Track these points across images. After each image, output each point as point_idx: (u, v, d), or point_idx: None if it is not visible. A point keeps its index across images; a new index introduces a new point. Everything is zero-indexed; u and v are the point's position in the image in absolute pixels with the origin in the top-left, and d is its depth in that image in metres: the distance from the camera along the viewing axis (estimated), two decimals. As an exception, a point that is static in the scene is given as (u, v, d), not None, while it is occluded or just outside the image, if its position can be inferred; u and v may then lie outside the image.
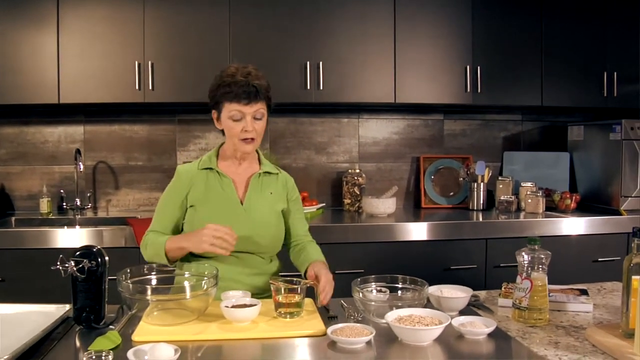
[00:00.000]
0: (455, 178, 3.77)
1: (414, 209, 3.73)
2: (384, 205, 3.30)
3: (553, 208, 3.48)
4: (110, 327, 1.49)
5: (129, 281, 1.54)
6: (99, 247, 1.52)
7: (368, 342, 1.38)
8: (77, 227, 3.00)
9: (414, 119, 3.80)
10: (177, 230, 1.96)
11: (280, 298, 1.55)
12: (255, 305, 1.50)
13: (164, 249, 1.79)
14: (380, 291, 1.62)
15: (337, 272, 2.90)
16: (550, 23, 3.44)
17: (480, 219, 3.25)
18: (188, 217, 1.91)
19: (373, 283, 1.63)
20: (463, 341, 1.42)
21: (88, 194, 3.45)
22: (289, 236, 2.01)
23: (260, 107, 1.82)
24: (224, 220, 1.81)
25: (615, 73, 3.48)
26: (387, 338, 1.42)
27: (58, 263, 1.46)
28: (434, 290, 1.65)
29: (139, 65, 3.09)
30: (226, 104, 1.81)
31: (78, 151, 3.30)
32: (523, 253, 1.57)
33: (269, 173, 1.97)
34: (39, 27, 3.04)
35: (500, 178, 3.64)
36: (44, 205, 3.30)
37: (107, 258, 1.51)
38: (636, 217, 3.22)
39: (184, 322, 1.48)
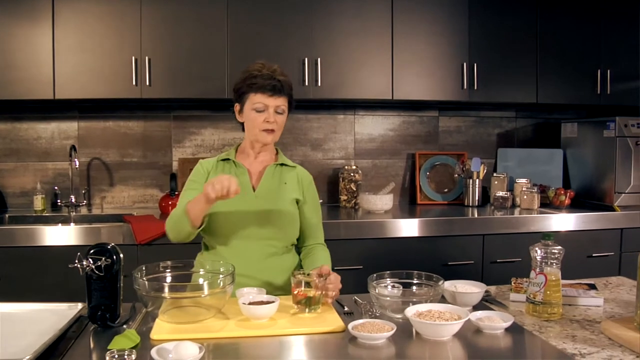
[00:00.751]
0: (450, 174, 3.79)
1: (409, 205, 3.75)
2: (381, 201, 3.31)
3: (547, 204, 3.52)
4: (124, 326, 1.47)
5: (144, 279, 1.52)
6: (113, 244, 1.49)
7: (388, 338, 1.38)
8: (72, 224, 2.96)
9: (410, 116, 3.81)
10: None
11: (301, 291, 1.55)
12: (273, 302, 1.49)
13: (184, 208, 1.79)
14: (393, 287, 1.62)
15: (336, 268, 2.92)
16: (546, 21, 3.47)
17: (476, 215, 3.27)
18: None
19: (388, 279, 1.63)
20: (481, 336, 1.43)
21: (83, 191, 3.40)
22: (301, 238, 2.03)
23: (282, 102, 1.89)
24: (235, 206, 1.87)
25: (608, 71, 3.52)
26: (405, 333, 1.43)
27: (76, 261, 1.43)
28: (448, 285, 1.66)
29: (136, 60, 3.06)
30: (251, 95, 1.87)
31: (74, 147, 3.25)
32: (537, 248, 1.58)
33: (286, 165, 2.01)
34: (33, 22, 2.99)
35: (495, 174, 3.67)
36: (38, 202, 3.25)
37: (121, 255, 1.49)
38: (629, 213, 3.27)
39: (201, 320, 1.47)
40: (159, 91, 3.11)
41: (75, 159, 3.24)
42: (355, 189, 3.54)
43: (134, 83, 3.06)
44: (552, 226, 3.19)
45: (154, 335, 1.39)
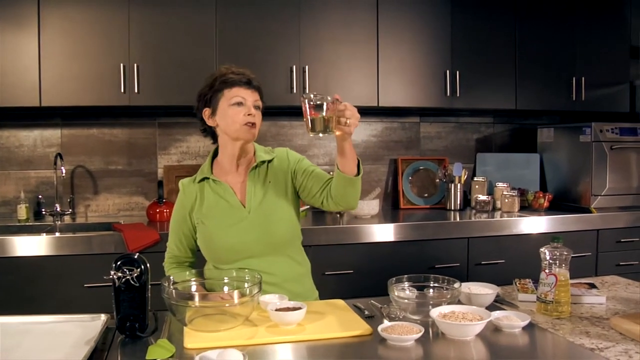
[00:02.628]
0: (432, 179, 3.88)
1: (392, 209, 3.82)
2: (368, 206, 3.36)
3: (525, 207, 3.65)
4: (149, 337, 1.47)
5: (172, 287, 1.53)
6: (138, 254, 1.50)
7: (416, 340, 1.43)
8: (57, 233, 2.90)
9: (392, 122, 3.89)
10: (193, 244, 1.98)
11: (314, 112, 1.54)
12: (301, 308, 1.52)
13: None
14: (409, 290, 1.67)
15: (326, 273, 2.99)
16: (523, 30, 3.60)
17: (458, 219, 3.35)
18: (199, 234, 1.93)
19: (406, 282, 1.68)
20: (500, 334, 1.49)
21: (68, 200, 3.35)
22: (318, 186, 1.86)
23: (258, 98, 1.87)
24: (231, 230, 1.85)
25: (583, 78, 3.68)
26: (428, 334, 1.48)
27: (112, 273, 1.42)
28: (462, 287, 1.72)
29: (124, 67, 3.03)
30: (225, 92, 1.83)
31: (59, 156, 3.20)
32: (546, 250, 1.66)
33: (264, 162, 1.93)
34: (19, 27, 2.93)
35: (475, 179, 3.77)
36: (22, 212, 3.18)
37: (148, 265, 1.49)
38: (605, 215, 3.43)
39: (230, 327, 1.48)
40: (147, 98, 3.09)
41: (62, 167, 3.19)
42: (340, 195, 3.58)
43: (122, 90, 3.04)
44: (533, 228, 3.30)
45: (189, 344, 1.40)
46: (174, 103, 3.13)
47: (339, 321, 1.56)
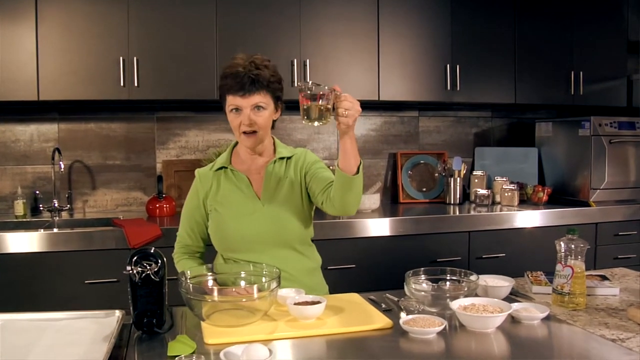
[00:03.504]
0: (431, 173, 3.88)
1: (392, 204, 3.82)
2: (369, 201, 3.35)
3: (524, 201, 3.66)
4: (165, 333, 1.45)
5: (189, 281, 1.51)
6: (154, 248, 1.47)
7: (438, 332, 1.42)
8: (55, 229, 2.86)
9: (391, 116, 3.88)
10: (204, 232, 1.96)
11: (309, 98, 1.53)
12: (320, 302, 1.50)
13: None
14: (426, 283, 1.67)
15: (328, 267, 2.96)
16: (523, 24, 3.61)
17: (458, 213, 3.35)
18: (211, 221, 1.91)
19: (422, 275, 1.67)
20: (520, 326, 1.49)
21: (66, 195, 3.30)
22: (320, 187, 1.82)
23: (260, 99, 1.75)
24: (244, 219, 1.83)
25: (581, 72, 3.70)
26: (449, 326, 1.48)
27: (130, 268, 1.40)
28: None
29: (124, 61, 2.99)
30: (227, 97, 1.78)
31: (58, 150, 3.15)
32: (562, 243, 1.66)
33: (283, 158, 1.91)
34: (16, 21, 2.88)
35: (474, 173, 3.78)
36: (19, 208, 3.13)
37: (165, 260, 1.47)
38: (604, 208, 3.45)
39: (250, 322, 1.46)
40: (147, 92, 3.05)
41: (60, 162, 3.14)
42: (340, 189, 3.56)
43: (121, 84, 2.99)
44: (533, 222, 3.32)
45: (209, 339, 1.38)
46: (174, 97, 3.10)
47: (359, 315, 1.55)
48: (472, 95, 3.55)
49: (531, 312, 1.52)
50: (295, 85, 3.20)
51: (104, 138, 3.40)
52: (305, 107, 1.55)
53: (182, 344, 1.33)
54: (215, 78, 3.10)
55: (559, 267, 1.66)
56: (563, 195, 3.66)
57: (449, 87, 3.48)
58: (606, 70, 3.80)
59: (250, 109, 1.75)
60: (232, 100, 1.76)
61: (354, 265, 3.03)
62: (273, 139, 1.97)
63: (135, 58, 3.00)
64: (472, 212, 3.34)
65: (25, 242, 2.66)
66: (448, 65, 3.47)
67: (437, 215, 3.25)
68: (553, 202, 3.60)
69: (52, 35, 2.92)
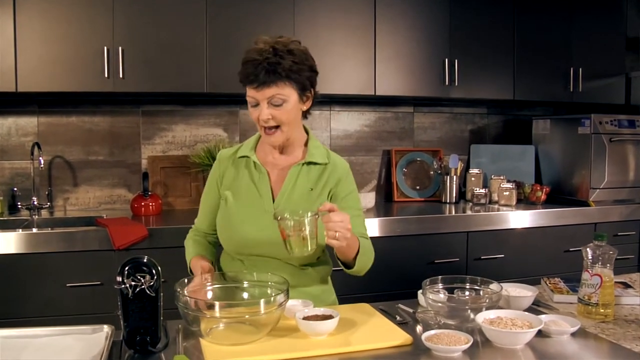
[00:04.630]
0: (426, 171, 3.77)
1: (386, 202, 3.70)
2: (364, 199, 3.23)
3: (521, 200, 3.57)
4: (155, 350, 1.31)
5: (186, 294, 1.36)
6: (147, 257, 1.33)
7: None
8: (35, 229, 2.70)
9: (385, 112, 3.76)
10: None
11: (288, 232, 1.41)
12: (332, 316, 1.37)
13: (188, 265, 1.75)
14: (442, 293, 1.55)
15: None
16: (522, 19, 3.51)
17: (455, 212, 3.25)
18: (220, 212, 1.74)
19: (440, 284, 1.55)
20: (549, 341, 1.38)
21: (45, 192, 3.12)
22: None
23: (277, 91, 1.54)
24: (251, 218, 1.65)
25: (580, 69, 3.62)
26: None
27: (121, 281, 1.25)
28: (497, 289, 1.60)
29: (108, 51, 2.82)
30: (245, 87, 1.58)
31: (37, 145, 2.97)
32: (588, 249, 1.56)
33: (315, 163, 1.70)
34: (-8, 6, 2.69)
35: (470, 171, 3.68)
36: (-4, 206, 2.95)
37: (159, 269, 1.32)
38: (604, 208, 3.38)
39: (255, 339, 1.33)
40: (132, 84, 2.89)
41: (40, 158, 2.96)
42: (334, 187, 3.44)
43: (105, 75, 2.82)
44: (532, 222, 3.23)
45: (210, 359, 1.24)
46: (161, 90, 2.94)
47: (374, 329, 1.42)
48: (470, 91, 3.44)
49: (560, 326, 1.40)
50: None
51: (86, 132, 3.22)
52: (288, 240, 1.42)
53: (182, 366, 1.19)
54: (205, 70, 2.95)
55: (585, 275, 1.55)
56: (560, 194, 3.58)
57: (447, 82, 3.36)
58: (605, 67, 3.72)
59: (267, 102, 1.56)
60: (249, 92, 1.57)
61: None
62: (307, 132, 1.76)
63: (120, 48, 2.83)
64: (471, 212, 3.24)
65: (2, 243, 2.49)
66: (446, 60, 3.35)
67: (435, 215, 3.15)
68: (550, 201, 3.51)
69: (31, 23, 2.74)
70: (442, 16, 3.35)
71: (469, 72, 3.41)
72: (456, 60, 3.37)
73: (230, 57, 2.94)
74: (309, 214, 1.41)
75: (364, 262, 1.66)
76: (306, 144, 1.75)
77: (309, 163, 1.70)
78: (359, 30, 3.22)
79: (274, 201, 1.68)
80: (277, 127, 1.59)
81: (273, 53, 1.54)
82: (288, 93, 1.56)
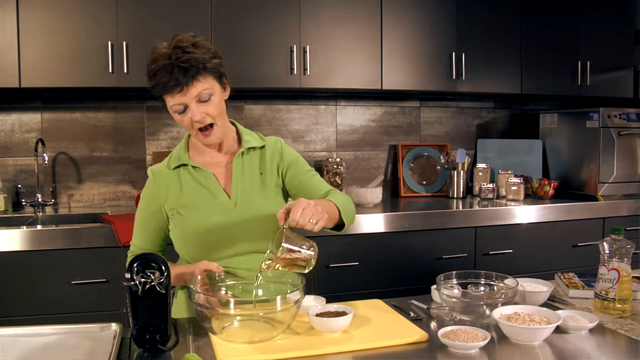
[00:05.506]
0: (433, 166, 3.74)
1: (392, 197, 3.67)
2: (371, 195, 3.21)
3: (529, 195, 3.54)
4: (165, 349, 1.28)
5: (200, 291, 1.34)
6: (157, 254, 1.30)
7: (480, 345, 1.28)
8: (39, 226, 2.66)
9: (391, 106, 3.73)
10: (163, 239, 1.72)
11: (287, 264, 1.37)
12: (346, 313, 1.35)
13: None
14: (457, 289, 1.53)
15: (330, 265, 2.82)
16: (529, 12, 3.47)
17: (462, 208, 3.22)
18: (173, 226, 1.64)
19: (454, 279, 1.52)
20: (568, 337, 1.35)
21: (50, 189, 3.10)
22: (315, 197, 1.61)
23: (202, 87, 1.49)
24: (213, 222, 1.58)
25: (588, 62, 3.58)
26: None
27: (131, 278, 1.22)
28: (513, 284, 1.57)
29: (112, 46, 2.79)
30: (165, 98, 1.52)
31: (41, 141, 2.95)
32: (605, 243, 1.53)
33: (253, 148, 1.68)
34: (-5, 1, 2.66)
35: (477, 165, 3.65)
36: (0, 202, 2.92)
37: (169, 265, 1.29)
38: (612, 202, 3.34)
39: (269, 338, 1.30)
40: (137, 79, 2.84)
41: (44, 154, 2.94)
42: (340, 182, 3.42)
43: (109, 70, 2.80)
44: (540, 217, 3.20)
45: (223, 357, 1.21)
46: (166, 85, 2.91)
47: (388, 326, 1.39)
48: (477, 85, 3.41)
49: (579, 321, 1.37)
50: (294, 73, 3.03)
51: (91, 128, 3.20)
52: (296, 266, 1.37)
53: (193, 364, 1.17)
54: (210, 65, 2.92)
55: (603, 270, 1.52)
56: (568, 189, 3.55)
57: (454, 76, 3.33)
58: (613, 61, 3.68)
59: (196, 101, 1.50)
60: (172, 101, 1.50)
61: (357, 263, 2.88)
62: (233, 124, 1.73)
63: (124, 43, 2.80)
64: (478, 207, 3.21)
65: (6, 240, 2.46)
66: (453, 54, 3.32)
67: (442, 210, 3.11)
68: (558, 196, 3.48)
69: (34, 18, 2.71)
70: (449, 9, 3.32)
71: (476, 66, 3.37)
72: (463, 54, 3.33)
73: (235, 52, 2.91)
74: (282, 239, 1.33)
75: (349, 212, 1.60)
76: (237, 135, 1.71)
77: (249, 149, 1.67)
78: (365, 24, 3.18)
79: (230, 197, 1.63)
80: (211, 125, 1.55)
81: (181, 51, 1.49)
82: (211, 84, 1.52)
